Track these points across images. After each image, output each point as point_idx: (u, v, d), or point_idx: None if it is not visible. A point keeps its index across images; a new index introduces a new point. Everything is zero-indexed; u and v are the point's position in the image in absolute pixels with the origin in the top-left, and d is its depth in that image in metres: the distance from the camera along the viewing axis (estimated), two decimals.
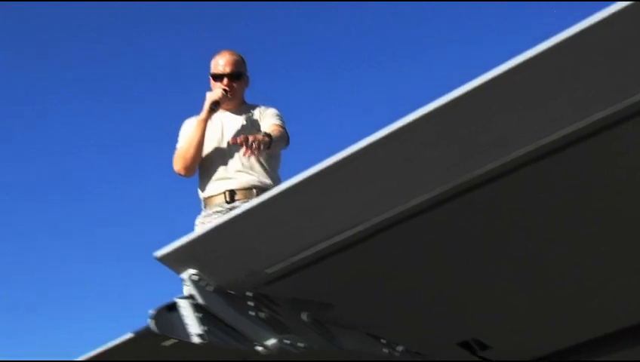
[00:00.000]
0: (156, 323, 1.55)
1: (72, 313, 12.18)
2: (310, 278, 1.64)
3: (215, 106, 3.94)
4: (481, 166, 1.32)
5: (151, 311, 1.58)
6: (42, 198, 12.18)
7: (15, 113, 12.20)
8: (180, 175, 3.98)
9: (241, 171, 3.86)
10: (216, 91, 3.94)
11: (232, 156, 3.89)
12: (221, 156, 3.91)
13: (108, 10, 11.75)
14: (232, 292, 1.62)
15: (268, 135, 3.77)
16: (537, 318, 1.86)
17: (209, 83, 4.13)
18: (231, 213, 1.52)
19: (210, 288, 1.60)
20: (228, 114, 4.04)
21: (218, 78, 3.97)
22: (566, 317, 1.88)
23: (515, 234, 1.55)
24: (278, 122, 3.99)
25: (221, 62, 4.00)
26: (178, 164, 3.94)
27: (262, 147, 3.71)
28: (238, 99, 4.06)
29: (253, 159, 3.87)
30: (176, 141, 4.09)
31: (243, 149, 3.80)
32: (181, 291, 1.66)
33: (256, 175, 3.87)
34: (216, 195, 3.86)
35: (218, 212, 3.80)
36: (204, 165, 3.95)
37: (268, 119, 4.01)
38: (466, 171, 1.34)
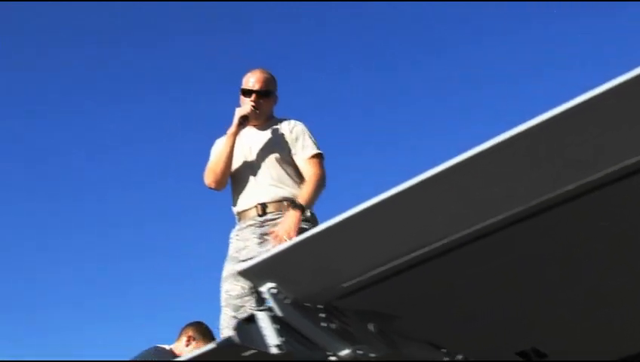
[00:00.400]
0: (238, 335, 1.62)
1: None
2: (381, 292, 1.70)
3: (244, 121, 4.00)
4: (556, 189, 1.38)
5: (234, 323, 1.65)
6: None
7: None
8: (211, 188, 4.04)
9: (272, 185, 3.91)
10: (245, 107, 4.00)
11: (261, 170, 3.95)
12: (250, 171, 3.96)
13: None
14: (307, 304, 1.69)
15: (299, 206, 3.77)
16: (592, 329, 1.92)
17: (237, 97, 4.14)
18: (311, 231, 1.59)
19: (288, 301, 1.67)
20: (254, 130, 4.09)
21: (247, 93, 4.04)
22: (619, 328, 1.94)
23: (578, 255, 1.61)
24: (312, 152, 3.98)
25: (252, 80, 4.07)
26: (208, 177, 4.01)
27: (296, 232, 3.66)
28: (265, 115, 4.10)
29: (282, 172, 3.95)
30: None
31: (272, 164, 3.93)
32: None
33: (286, 188, 3.92)
34: (248, 209, 3.90)
35: (251, 225, 3.86)
36: (235, 180, 4.01)
37: (300, 148, 4.01)
38: (541, 194, 1.40)
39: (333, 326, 1.75)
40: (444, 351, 1.93)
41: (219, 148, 4.01)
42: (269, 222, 3.80)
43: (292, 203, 3.79)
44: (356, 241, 1.58)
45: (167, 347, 5.03)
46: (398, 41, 12.77)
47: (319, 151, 4.02)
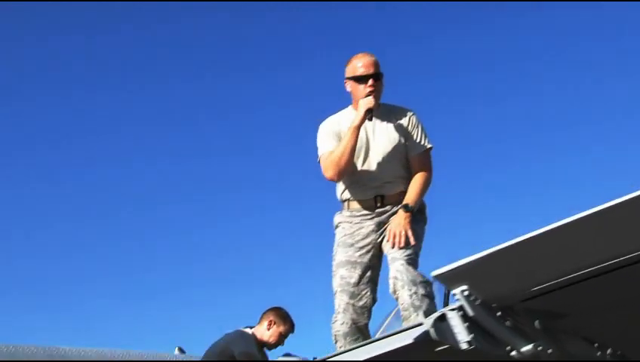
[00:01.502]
0: (435, 331, 1.75)
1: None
2: (555, 297, 1.82)
3: (369, 114, 3.77)
4: None
5: (429, 321, 1.77)
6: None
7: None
8: (332, 180, 3.87)
9: (390, 180, 3.80)
10: (369, 100, 3.75)
11: (379, 162, 3.81)
12: (368, 162, 3.81)
13: None
14: (494, 305, 1.81)
15: (409, 209, 3.69)
16: None
17: (344, 86, 3.92)
18: (504, 244, 1.70)
19: (477, 302, 1.79)
20: (372, 121, 3.84)
21: (362, 80, 3.79)
22: None
23: None
24: (425, 146, 3.86)
25: (361, 65, 3.82)
26: (331, 171, 3.80)
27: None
28: (379, 100, 3.84)
29: (399, 165, 3.82)
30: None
31: (390, 157, 3.79)
32: None
33: (403, 182, 3.82)
34: (365, 200, 3.80)
35: (367, 214, 3.78)
36: (351, 170, 3.81)
37: (416, 141, 3.86)
38: None
39: (509, 323, 1.87)
40: (596, 345, 2.04)
41: (343, 142, 3.79)
42: (386, 213, 3.74)
43: (405, 207, 3.71)
44: (542, 255, 1.70)
45: (249, 330, 5.18)
46: None
47: (431, 146, 3.89)
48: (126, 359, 5.58)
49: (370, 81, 3.76)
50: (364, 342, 2.09)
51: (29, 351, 4.97)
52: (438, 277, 1.78)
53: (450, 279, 1.78)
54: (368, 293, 3.69)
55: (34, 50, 12.51)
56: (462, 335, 1.78)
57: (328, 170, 3.80)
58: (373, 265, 3.73)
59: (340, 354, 2.17)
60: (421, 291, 3.53)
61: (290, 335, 5.27)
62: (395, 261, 3.59)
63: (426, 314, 3.41)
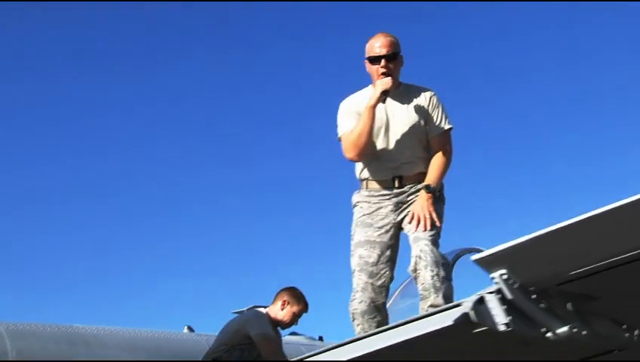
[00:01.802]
0: (476, 313, 1.78)
1: None
2: (590, 281, 1.85)
3: (385, 95, 3.76)
4: None
5: (468, 303, 1.81)
6: None
7: None
8: (352, 161, 3.88)
9: (409, 161, 3.81)
10: (385, 81, 3.74)
11: (398, 143, 3.80)
12: (387, 142, 3.81)
13: None
14: (531, 288, 1.84)
15: (431, 190, 3.71)
16: None
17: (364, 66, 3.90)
18: (542, 231, 1.73)
19: (515, 285, 1.82)
20: (389, 99, 3.81)
21: (375, 60, 3.78)
22: None
23: None
24: (445, 127, 3.85)
25: (377, 45, 3.80)
26: (351, 151, 3.81)
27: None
28: (396, 80, 3.84)
29: (418, 146, 3.83)
30: None
31: (409, 137, 3.80)
32: None
33: (422, 162, 3.83)
34: (384, 180, 3.80)
35: (386, 194, 3.77)
36: (370, 150, 3.82)
37: (436, 122, 3.85)
38: None
39: (543, 306, 1.91)
40: (625, 327, 2.08)
41: (360, 122, 3.78)
42: (404, 194, 3.75)
43: (427, 187, 3.72)
44: (576, 242, 1.74)
45: (263, 309, 5.21)
46: None
47: (451, 126, 3.88)
48: (138, 336, 5.65)
49: (383, 62, 3.76)
50: (399, 323, 2.11)
51: (49, 329, 5.03)
52: (477, 261, 1.81)
53: (490, 263, 1.81)
54: (387, 272, 3.71)
55: None
56: (500, 318, 1.82)
57: (348, 150, 3.81)
58: (392, 245, 3.75)
59: (376, 334, 2.20)
60: (442, 273, 3.57)
61: (304, 315, 5.34)
62: (419, 240, 3.60)
63: (445, 297, 3.57)
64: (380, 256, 3.69)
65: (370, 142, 3.76)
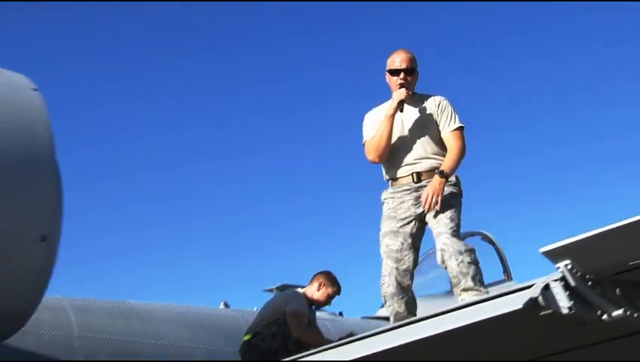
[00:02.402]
0: (543, 298, 2.00)
1: None
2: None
3: (401, 104, 4.18)
4: None
5: (537, 289, 2.02)
6: None
7: None
8: (374, 163, 4.26)
9: (425, 157, 4.16)
10: (401, 92, 4.16)
11: (415, 144, 4.19)
12: (405, 144, 4.20)
13: None
14: (590, 276, 2.06)
15: (443, 174, 4.03)
16: None
17: (384, 77, 4.33)
18: (606, 227, 1.93)
19: (578, 274, 2.04)
20: (406, 107, 4.23)
21: (395, 73, 4.21)
22: None
23: None
24: (455, 126, 4.20)
25: (397, 60, 4.22)
26: (372, 154, 4.22)
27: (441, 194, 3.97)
28: (411, 91, 4.25)
29: (432, 145, 4.17)
30: None
31: (424, 138, 4.18)
32: None
33: (436, 159, 4.16)
34: (404, 176, 4.16)
35: (407, 190, 4.14)
36: (391, 152, 4.21)
37: (446, 122, 4.22)
38: None
39: (598, 291, 2.12)
40: None
41: (379, 129, 4.20)
42: (423, 188, 4.06)
43: (440, 172, 4.05)
44: (632, 238, 1.94)
45: (300, 290, 5.49)
46: None
47: (462, 125, 4.23)
48: (183, 311, 5.89)
49: (402, 75, 4.19)
50: (464, 304, 2.33)
51: (106, 304, 5.26)
52: (545, 253, 2.02)
53: (556, 255, 2.03)
54: (410, 258, 4.08)
55: None
56: (563, 302, 2.03)
57: (370, 153, 4.26)
58: (414, 234, 4.12)
59: (442, 314, 2.41)
60: (467, 259, 3.92)
61: (337, 296, 5.61)
62: (441, 235, 3.98)
63: (473, 278, 3.86)
64: (402, 244, 4.08)
65: (388, 145, 4.19)
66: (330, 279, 5.45)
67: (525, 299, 2.05)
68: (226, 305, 6.96)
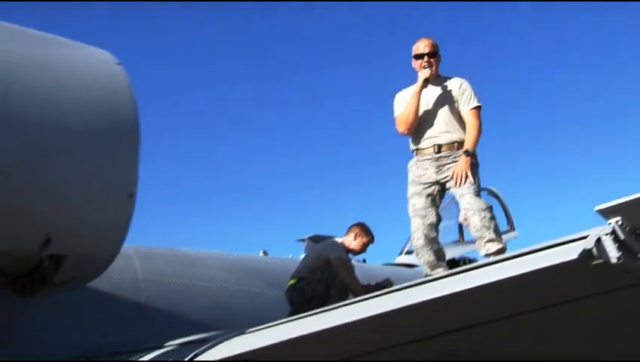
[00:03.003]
0: (596, 249, 2.28)
1: None
2: None
3: (426, 82, 4.67)
4: None
5: (590, 241, 2.29)
6: None
7: None
8: (403, 134, 4.77)
9: (445, 131, 4.64)
10: (425, 71, 4.67)
11: (437, 119, 4.68)
12: (429, 119, 4.69)
13: None
14: (637, 231, 2.33)
15: (469, 153, 4.52)
16: None
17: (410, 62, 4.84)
18: None
19: (627, 229, 2.31)
20: (430, 86, 4.72)
21: (419, 57, 4.73)
22: None
23: None
24: (473, 105, 4.65)
25: (421, 46, 4.74)
26: (401, 127, 4.73)
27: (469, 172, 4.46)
28: (435, 72, 4.74)
29: (452, 120, 4.65)
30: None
31: (445, 114, 4.64)
32: None
33: (455, 133, 4.63)
34: (426, 148, 4.66)
35: (428, 159, 4.64)
36: (417, 126, 4.71)
37: (465, 101, 4.67)
38: None
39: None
40: None
41: (408, 105, 4.70)
42: (442, 158, 4.61)
43: (465, 152, 4.54)
44: None
45: (339, 239, 5.84)
46: None
47: (479, 104, 4.69)
48: (229, 258, 6.22)
49: (425, 57, 4.69)
50: (517, 253, 2.59)
51: (165, 252, 5.58)
52: (600, 211, 2.29)
53: (608, 212, 2.30)
54: (433, 214, 4.59)
55: None
56: (613, 253, 2.31)
57: (400, 126, 4.75)
58: (435, 195, 4.64)
59: (495, 263, 2.68)
60: (488, 215, 4.42)
61: (371, 245, 5.97)
62: (464, 196, 4.47)
63: (495, 231, 4.33)
64: (426, 203, 4.59)
65: (416, 119, 4.68)
66: (365, 230, 5.82)
67: (580, 250, 2.33)
68: (265, 253, 7.35)
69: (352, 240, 5.75)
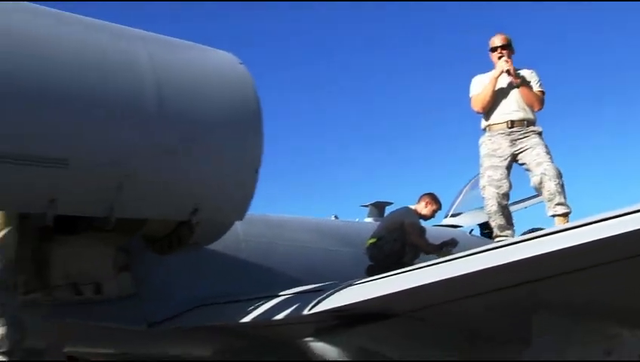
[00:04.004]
0: None
1: None
2: None
3: (504, 71, 5.42)
4: None
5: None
6: None
7: None
8: (478, 113, 5.50)
9: (517, 110, 5.36)
10: (502, 62, 5.43)
11: (510, 99, 5.40)
12: (503, 100, 5.43)
13: None
14: None
15: (524, 80, 5.40)
16: None
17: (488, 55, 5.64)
18: None
19: None
20: (504, 74, 5.50)
21: (494, 50, 5.51)
22: None
23: None
24: (538, 88, 5.48)
25: (496, 40, 5.53)
26: (478, 106, 5.46)
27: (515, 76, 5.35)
28: (510, 60, 5.46)
29: (522, 102, 5.37)
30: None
31: (517, 96, 5.37)
32: None
33: (526, 112, 5.35)
34: (499, 123, 5.38)
35: (502, 134, 5.33)
36: (491, 105, 5.44)
37: (534, 85, 5.48)
38: None
39: None
40: None
41: (485, 87, 5.42)
42: (514, 133, 5.30)
43: (538, 133, 5.33)
44: None
45: (412, 207, 6.53)
46: None
47: (543, 90, 5.47)
48: (308, 221, 6.91)
49: (499, 50, 5.46)
50: (606, 217, 3.00)
51: (257, 217, 6.26)
52: None
53: None
54: (506, 184, 5.27)
55: None
56: None
57: (476, 105, 5.47)
58: (508, 167, 5.29)
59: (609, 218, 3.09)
60: (560, 181, 5.10)
61: (438, 211, 6.68)
62: (541, 164, 5.15)
63: (565, 196, 4.90)
64: (501, 175, 5.25)
65: (491, 100, 5.39)
66: (434, 198, 6.55)
67: None
68: (336, 217, 8.05)
69: (423, 208, 6.47)
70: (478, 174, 5.86)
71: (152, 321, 5.10)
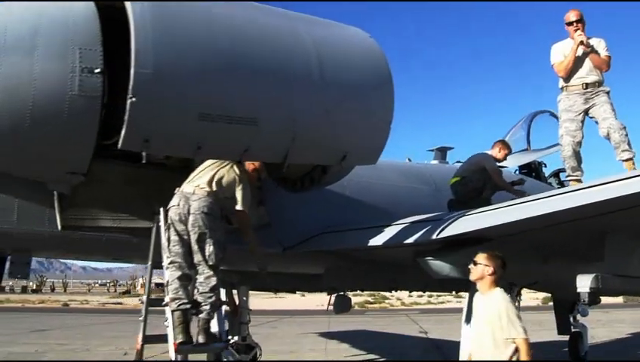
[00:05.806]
0: None
1: None
2: None
3: (582, 43, 6.23)
4: None
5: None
6: None
7: None
8: (562, 77, 6.29)
9: (589, 73, 6.20)
10: (579, 35, 6.22)
11: (584, 65, 6.23)
12: (579, 65, 6.25)
13: None
14: None
15: (593, 48, 6.22)
16: None
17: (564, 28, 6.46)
18: None
19: None
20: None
21: (570, 24, 6.30)
22: None
23: None
24: (605, 54, 6.31)
25: (571, 15, 6.30)
26: (562, 72, 6.26)
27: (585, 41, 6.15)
28: (584, 32, 6.32)
29: (592, 66, 6.20)
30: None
31: (589, 61, 6.19)
32: None
33: (597, 76, 6.19)
34: (576, 85, 6.23)
35: (577, 93, 6.18)
36: (571, 70, 6.32)
37: (602, 52, 6.28)
38: None
39: None
40: None
41: (567, 55, 6.25)
42: (588, 93, 6.17)
43: (606, 92, 6.16)
44: None
45: (489, 152, 7.37)
46: None
47: (610, 55, 6.28)
48: (388, 163, 7.77)
49: (574, 24, 6.27)
50: None
51: None
52: None
53: None
54: (580, 134, 6.21)
55: None
56: None
57: (560, 71, 6.31)
58: (582, 120, 6.19)
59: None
60: (624, 133, 6.00)
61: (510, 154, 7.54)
62: (607, 119, 6.05)
63: (629, 144, 6.14)
64: (577, 126, 6.18)
65: (571, 66, 6.23)
66: (505, 144, 7.45)
67: None
68: (409, 160, 8.90)
69: (497, 152, 7.35)
70: (514, 126, 7.08)
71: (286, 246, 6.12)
